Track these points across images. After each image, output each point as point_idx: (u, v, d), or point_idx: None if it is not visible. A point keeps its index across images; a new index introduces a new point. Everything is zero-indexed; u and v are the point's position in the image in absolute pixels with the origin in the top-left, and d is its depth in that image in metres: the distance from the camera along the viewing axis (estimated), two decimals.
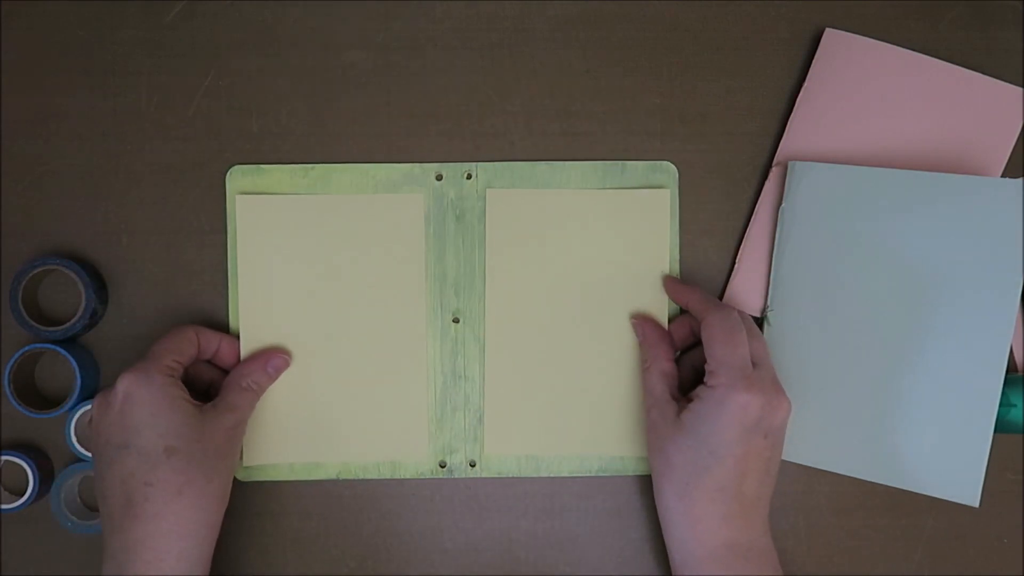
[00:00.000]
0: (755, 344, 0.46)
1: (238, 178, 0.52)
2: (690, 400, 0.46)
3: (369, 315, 0.51)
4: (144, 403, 0.44)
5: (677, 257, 0.52)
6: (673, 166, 0.52)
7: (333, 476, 0.52)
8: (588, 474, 0.52)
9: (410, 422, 0.52)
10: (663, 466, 0.46)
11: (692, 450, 0.44)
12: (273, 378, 0.50)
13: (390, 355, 0.52)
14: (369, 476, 0.52)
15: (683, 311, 0.51)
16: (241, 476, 0.52)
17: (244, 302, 0.51)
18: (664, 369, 0.49)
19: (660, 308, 0.51)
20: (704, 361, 0.46)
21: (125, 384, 0.44)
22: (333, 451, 0.51)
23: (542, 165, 0.52)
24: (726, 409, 0.44)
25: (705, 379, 0.45)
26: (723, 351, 0.45)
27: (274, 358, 0.50)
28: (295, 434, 0.51)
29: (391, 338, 0.52)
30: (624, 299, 0.51)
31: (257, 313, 0.51)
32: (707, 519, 0.44)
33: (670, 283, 0.51)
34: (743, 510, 0.45)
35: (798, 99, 0.53)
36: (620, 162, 0.52)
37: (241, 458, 0.51)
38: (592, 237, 0.51)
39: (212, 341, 0.50)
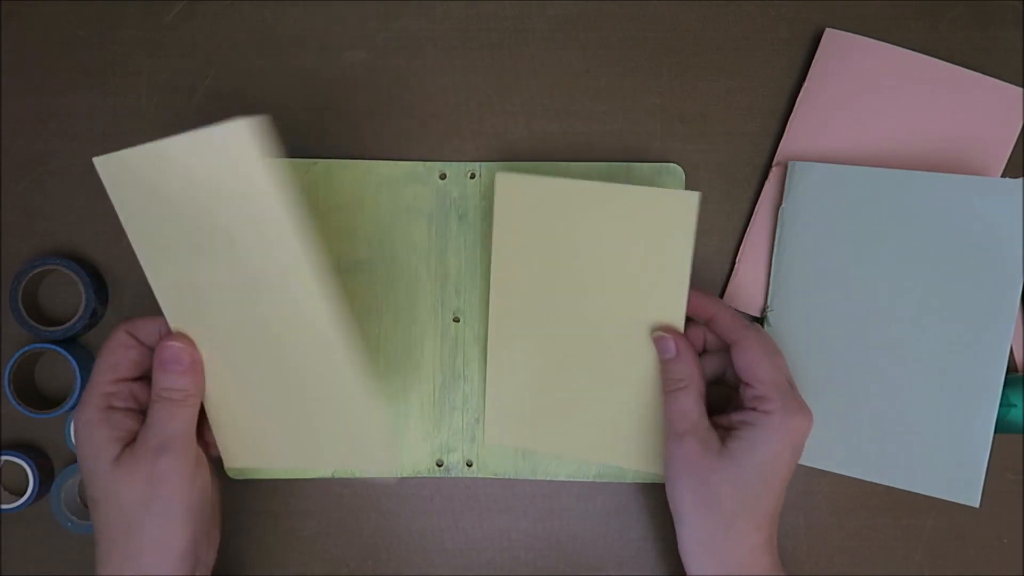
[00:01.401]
0: (784, 361, 0.45)
1: None
2: (731, 427, 0.43)
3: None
4: (78, 446, 0.41)
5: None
6: (680, 168, 0.52)
7: (328, 474, 0.52)
8: (585, 479, 0.52)
9: (408, 421, 0.52)
10: (703, 500, 0.42)
11: (743, 480, 0.42)
12: (177, 371, 0.41)
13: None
14: (365, 474, 0.52)
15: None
16: (235, 474, 0.52)
17: (157, 283, 0.43)
18: (702, 391, 0.44)
19: (675, 319, 0.45)
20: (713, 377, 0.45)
21: (74, 423, 0.42)
22: (328, 451, 0.47)
23: (546, 166, 0.52)
24: (784, 436, 0.42)
25: (751, 403, 0.43)
26: (771, 374, 0.43)
27: (161, 350, 0.42)
28: (285, 437, 0.46)
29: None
30: (635, 306, 0.45)
31: (178, 297, 0.43)
32: (753, 551, 0.42)
33: (695, 296, 0.45)
34: (773, 532, 0.43)
35: (798, 99, 0.53)
36: (625, 164, 0.52)
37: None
38: (607, 234, 0.45)
39: (150, 330, 0.43)
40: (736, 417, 0.43)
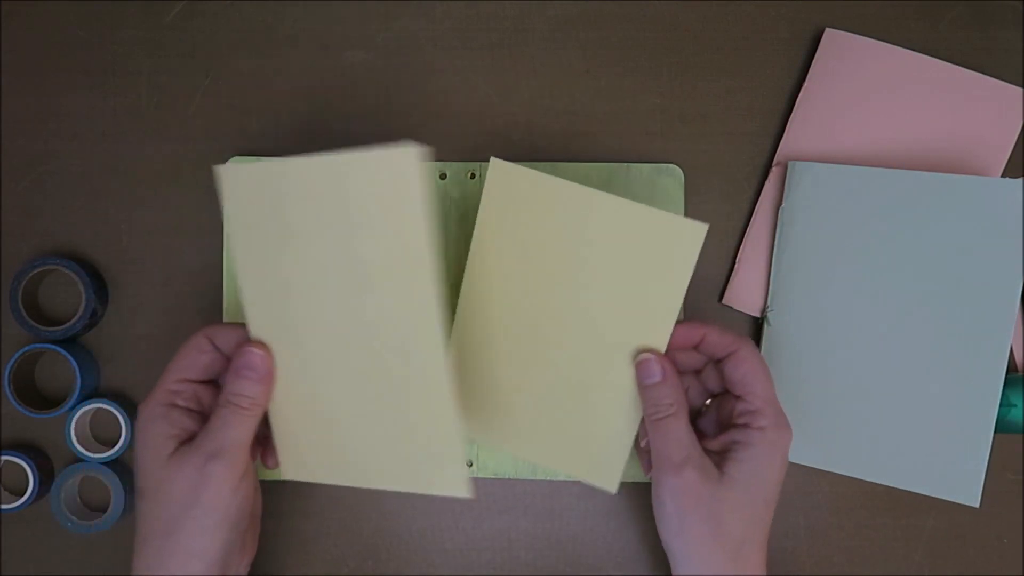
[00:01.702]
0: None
1: None
2: (723, 449, 0.42)
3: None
4: (136, 437, 0.42)
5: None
6: (679, 169, 0.52)
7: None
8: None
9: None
10: (711, 533, 0.40)
11: (748, 505, 0.40)
12: (252, 379, 0.42)
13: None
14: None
15: None
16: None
17: (248, 292, 0.43)
18: (689, 416, 0.42)
19: (657, 345, 0.42)
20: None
21: (137, 414, 0.42)
22: (397, 471, 0.44)
23: (546, 166, 0.52)
24: (778, 451, 0.41)
25: (742, 419, 0.41)
26: (766, 387, 0.41)
27: (242, 356, 0.42)
28: (354, 454, 0.45)
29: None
30: (616, 324, 0.43)
31: (270, 309, 0.43)
32: (756, 570, 0.41)
33: (679, 328, 0.43)
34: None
35: (798, 99, 0.53)
36: (625, 164, 0.52)
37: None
38: (602, 246, 0.42)
39: (230, 338, 0.43)
40: (727, 437, 0.42)
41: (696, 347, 0.44)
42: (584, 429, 0.45)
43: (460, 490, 0.43)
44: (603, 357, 0.43)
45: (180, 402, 0.42)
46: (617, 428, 0.44)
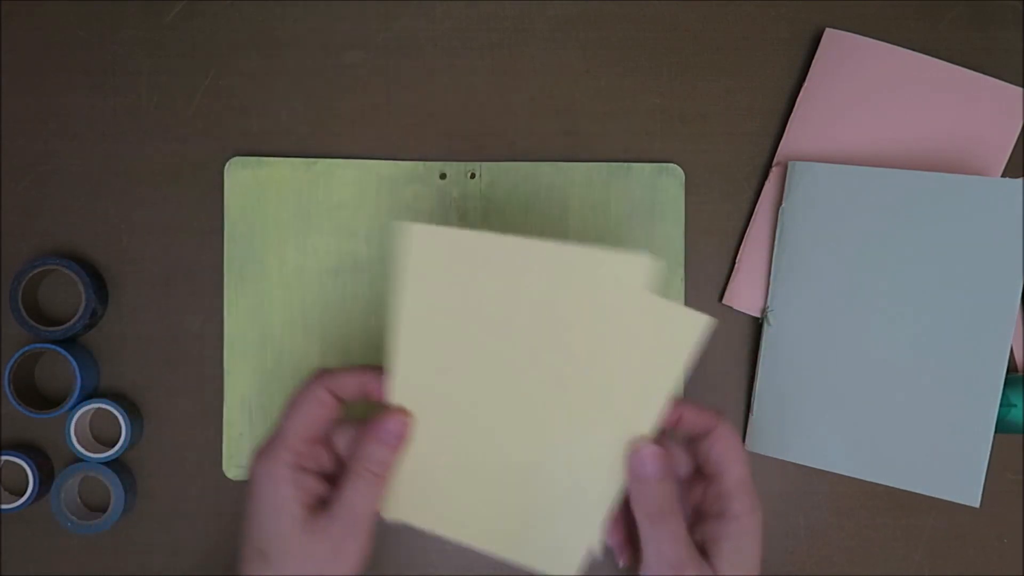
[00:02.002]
0: None
1: (238, 170, 0.52)
2: (702, 545, 0.39)
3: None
4: (256, 496, 0.39)
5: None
6: (680, 169, 0.52)
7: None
8: None
9: None
10: None
11: None
12: (394, 447, 0.39)
13: None
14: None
15: None
16: (232, 475, 0.52)
17: (405, 351, 0.41)
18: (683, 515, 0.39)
19: (642, 432, 0.39)
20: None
21: (253, 470, 0.39)
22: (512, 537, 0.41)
23: (546, 166, 0.52)
24: (757, 536, 0.39)
25: (716, 505, 0.39)
26: (741, 468, 0.39)
27: (386, 422, 0.39)
28: (475, 514, 0.42)
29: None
30: (598, 409, 0.40)
31: (420, 372, 0.41)
32: None
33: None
34: None
35: (798, 99, 0.53)
36: (626, 164, 0.52)
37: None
38: (592, 326, 0.39)
39: (350, 384, 0.40)
40: (704, 533, 0.39)
41: (673, 428, 0.41)
42: (541, 513, 0.41)
43: (570, 570, 0.40)
44: (576, 439, 0.40)
45: (306, 464, 0.39)
46: (581, 515, 0.40)
